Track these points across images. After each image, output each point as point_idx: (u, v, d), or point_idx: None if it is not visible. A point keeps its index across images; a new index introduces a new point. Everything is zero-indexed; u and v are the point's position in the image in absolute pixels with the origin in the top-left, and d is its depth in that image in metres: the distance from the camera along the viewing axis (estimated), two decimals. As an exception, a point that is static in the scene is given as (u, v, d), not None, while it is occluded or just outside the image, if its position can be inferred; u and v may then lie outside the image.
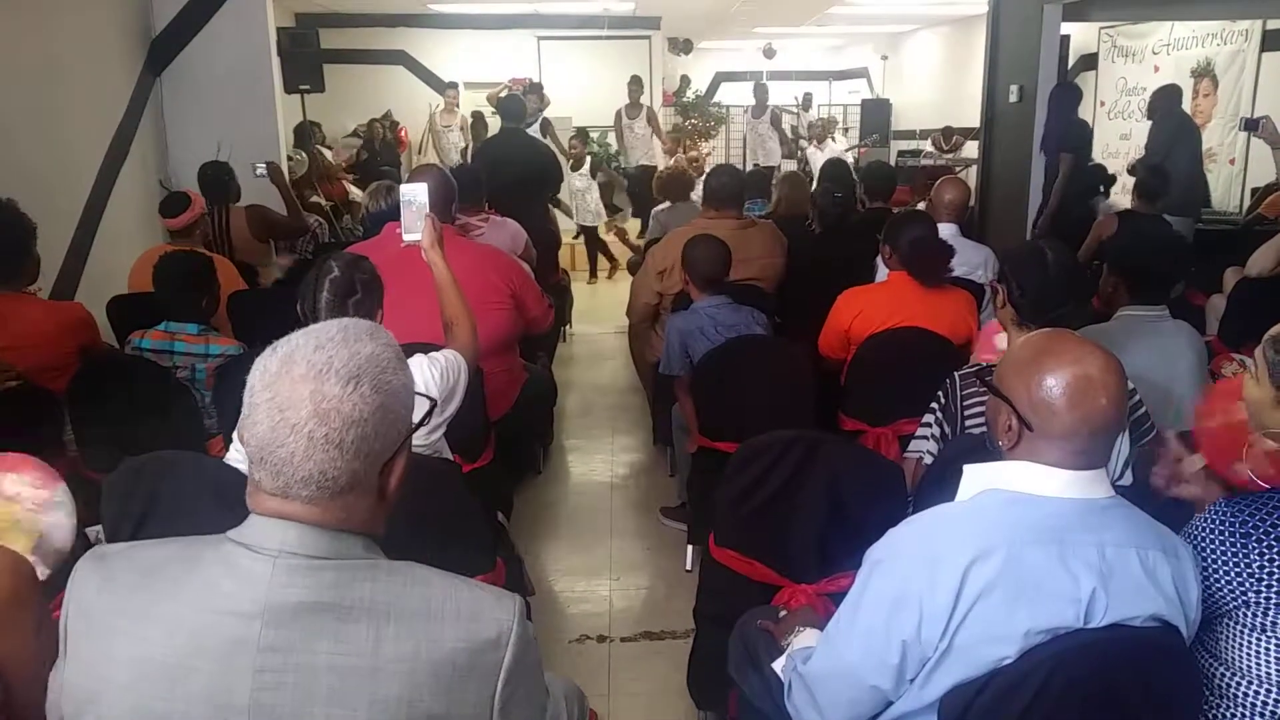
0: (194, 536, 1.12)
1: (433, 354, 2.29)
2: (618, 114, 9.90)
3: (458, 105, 10.43)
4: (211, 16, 5.97)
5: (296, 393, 1.04)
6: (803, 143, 11.41)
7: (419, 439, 2.18)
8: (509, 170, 5.50)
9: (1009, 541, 1.36)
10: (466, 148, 9.89)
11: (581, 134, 9.54)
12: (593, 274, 8.97)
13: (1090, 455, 1.41)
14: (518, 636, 1.11)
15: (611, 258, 9.06)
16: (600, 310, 7.87)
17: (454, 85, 10.67)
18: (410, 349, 2.38)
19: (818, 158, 10.46)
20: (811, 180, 7.14)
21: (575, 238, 9.18)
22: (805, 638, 1.73)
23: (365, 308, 2.19)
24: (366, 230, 4.91)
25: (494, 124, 9.65)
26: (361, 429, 1.06)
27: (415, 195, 2.48)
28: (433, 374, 2.24)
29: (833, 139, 11.06)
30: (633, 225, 9.54)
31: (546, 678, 1.27)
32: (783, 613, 1.90)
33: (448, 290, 2.50)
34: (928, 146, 11.82)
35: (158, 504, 2.00)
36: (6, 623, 1.28)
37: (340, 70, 9.80)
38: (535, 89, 9.65)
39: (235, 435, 1.11)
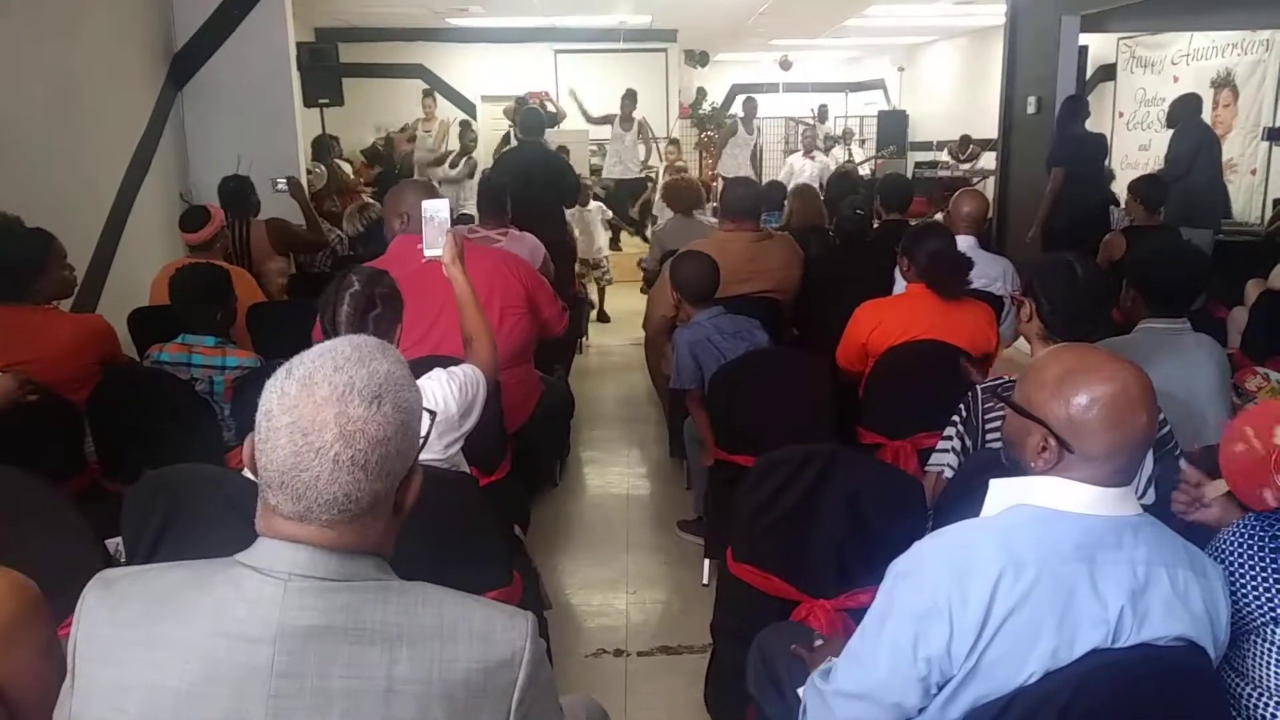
0: (203, 560, 1.11)
1: (452, 368, 2.29)
2: (613, 124, 9.90)
3: (436, 113, 10.36)
4: (232, 32, 6.05)
5: (321, 415, 1.03)
6: (789, 156, 11.30)
7: (437, 453, 2.20)
8: (527, 182, 5.52)
9: (1039, 559, 1.34)
10: (458, 155, 9.83)
11: (562, 149, 9.54)
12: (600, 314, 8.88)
13: (1126, 472, 1.39)
14: (531, 656, 1.10)
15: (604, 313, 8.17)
16: (617, 322, 7.87)
17: (429, 93, 10.62)
18: (430, 362, 2.39)
19: (803, 167, 10.43)
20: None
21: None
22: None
23: (385, 322, 2.19)
24: (369, 250, 4.92)
25: (483, 128, 9.68)
26: (385, 449, 1.06)
27: (437, 211, 2.49)
28: (451, 388, 2.24)
29: (819, 151, 11.01)
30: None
31: (569, 698, 1.26)
32: (819, 641, 1.86)
33: (468, 306, 2.50)
34: (944, 157, 11.79)
35: (178, 516, 2.01)
36: (13, 648, 1.26)
37: (359, 84, 9.89)
38: (522, 102, 9.56)
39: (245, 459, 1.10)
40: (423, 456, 1.17)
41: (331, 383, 1.04)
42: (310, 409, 1.03)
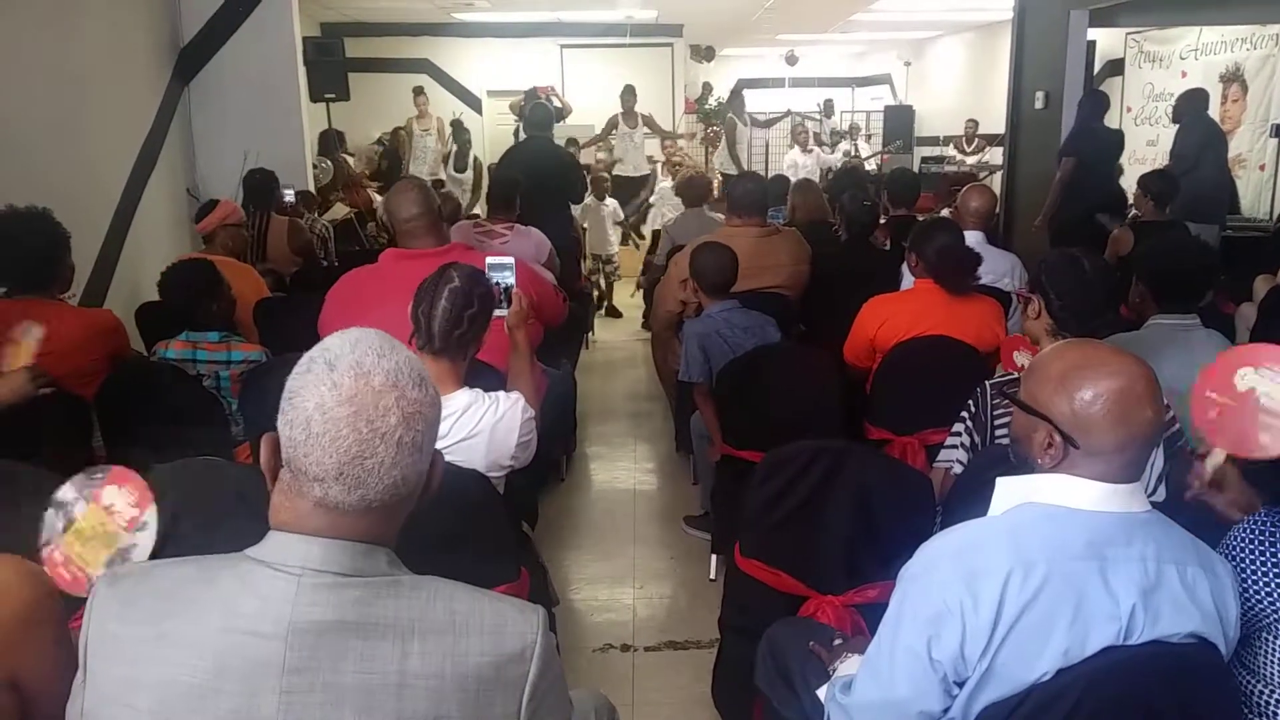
0: (211, 555, 1.11)
1: (528, 407, 2.29)
2: (611, 121, 9.65)
3: (428, 110, 10.38)
4: (239, 26, 6.06)
5: (383, 401, 1.05)
6: (792, 151, 11.23)
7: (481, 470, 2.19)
8: (534, 177, 5.52)
9: (1049, 558, 1.33)
10: (449, 154, 9.86)
11: (574, 142, 9.54)
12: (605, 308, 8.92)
13: (1134, 468, 1.38)
14: (542, 649, 1.11)
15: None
16: (622, 317, 7.87)
17: (421, 90, 10.60)
18: (499, 378, 2.41)
19: (803, 163, 10.38)
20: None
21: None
22: (851, 665, 1.68)
23: (478, 325, 2.22)
24: (390, 236, 4.97)
25: (476, 128, 9.73)
26: (433, 430, 1.11)
27: (503, 274, 2.50)
28: (523, 418, 2.25)
29: (813, 147, 10.95)
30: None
31: (577, 692, 1.26)
32: (837, 640, 1.86)
33: (523, 372, 2.51)
34: (950, 150, 11.76)
35: (187, 511, 2.00)
36: (26, 637, 1.27)
37: (365, 79, 9.88)
38: (530, 95, 9.52)
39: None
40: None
41: (384, 369, 1.07)
42: (371, 397, 1.05)
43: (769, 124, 11.69)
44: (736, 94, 10.62)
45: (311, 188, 6.60)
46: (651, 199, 9.36)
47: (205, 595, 1.05)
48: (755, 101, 14.57)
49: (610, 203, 7.89)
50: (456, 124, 10.05)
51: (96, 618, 1.08)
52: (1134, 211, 5.73)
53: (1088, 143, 6.11)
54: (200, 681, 1.02)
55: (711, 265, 3.50)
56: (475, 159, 9.55)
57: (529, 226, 4.60)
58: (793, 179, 7.47)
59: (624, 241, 9.70)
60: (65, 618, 1.34)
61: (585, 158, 9.16)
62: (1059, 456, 1.39)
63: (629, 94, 9.62)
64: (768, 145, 12.79)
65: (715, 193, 8.11)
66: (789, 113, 12.11)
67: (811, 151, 10.56)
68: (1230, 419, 1.74)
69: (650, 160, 9.94)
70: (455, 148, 9.77)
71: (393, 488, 1.06)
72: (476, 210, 8.32)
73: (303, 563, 1.04)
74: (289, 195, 5.44)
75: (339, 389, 1.04)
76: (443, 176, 9.86)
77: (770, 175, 8.75)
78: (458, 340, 2.19)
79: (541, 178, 5.68)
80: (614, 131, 9.60)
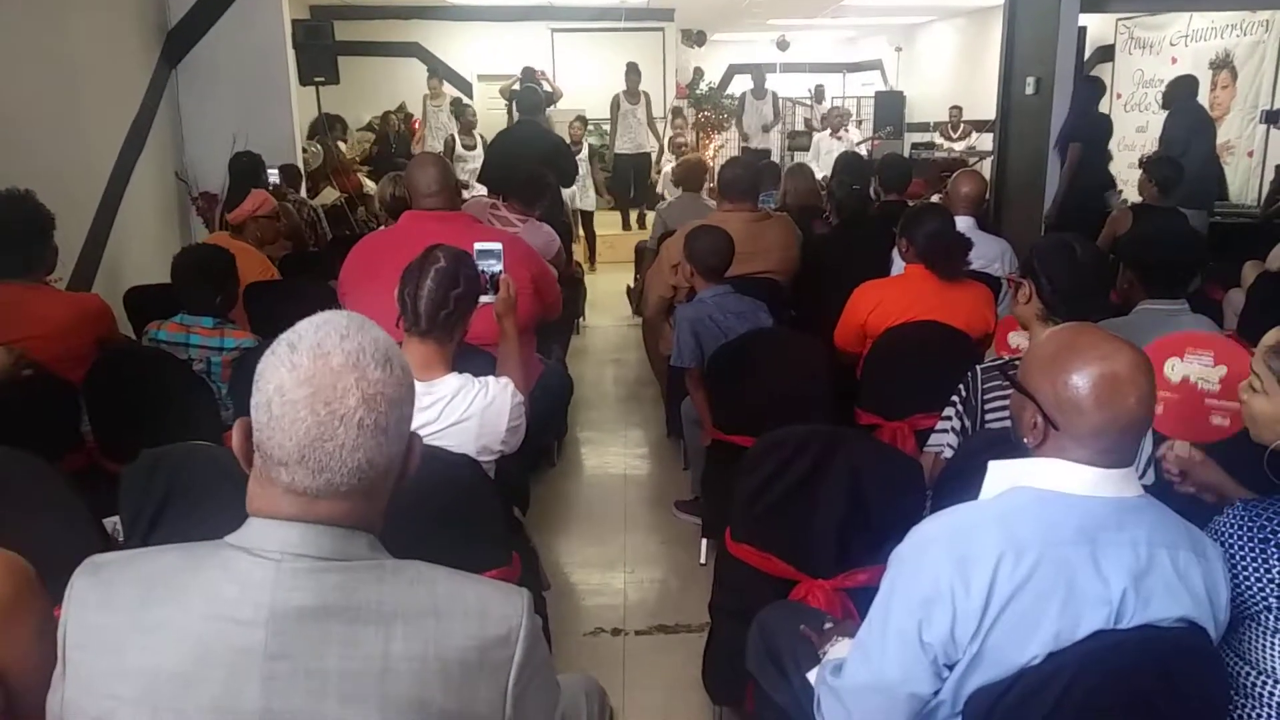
0: (192, 543, 1.09)
1: (516, 391, 2.28)
2: (615, 99, 9.84)
3: (442, 89, 10.67)
4: (227, 8, 6.01)
5: (341, 382, 1.03)
6: (815, 134, 11.29)
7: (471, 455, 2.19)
8: (525, 161, 5.50)
9: (1041, 542, 1.33)
10: (452, 134, 10.02)
11: (581, 120, 9.58)
12: (592, 265, 9.03)
13: (1119, 453, 1.38)
14: (527, 632, 1.10)
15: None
16: (610, 302, 7.85)
17: (435, 72, 10.87)
18: (488, 362, 2.41)
19: (832, 145, 10.37)
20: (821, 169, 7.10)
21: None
22: (841, 648, 1.68)
23: (465, 303, 2.22)
24: (382, 219, 4.98)
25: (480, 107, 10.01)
26: (401, 410, 1.08)
27: (489, 262, 2.50)
28: (513, 403, 2.25)
29: (846, 129, 10.96)
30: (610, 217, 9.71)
31: (567, 676, 1.26)
32: (828, 624, 1.86)
33: (511, 357, 2.51)
34: (937, 139, 11.76)
35: (175, 496, 2.00)
36: (8, 628, 1.24)
37: (355, 62, 9.84)
38: (527, 74, 9.48)
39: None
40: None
41: (344, 350, 1.04)
42: (329, 377, 1.03)
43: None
44: (759, 77, 10.69)
45: (302, 172, 6.57)
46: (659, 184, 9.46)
47: (187, 582, 1.04)
48: (746, 87, 14.56)
49: (565, 194, 7.97)
50: (455, 102, 10.15)
51: (75, 608, 1.07)
52: (1122, 196, 5.76)
53: (1089, 127, 6.12)
54: (183, 669, 1.01)
55: (708, 247, 3.49)
56: (480, 136, 9.64)
57: (542, 222, 4.60)
58: (821, 162, 7.47)
59: (625, 225, 9.81)
60: (49, 610, 1.32)
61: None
62: (1040, 438, 1.41)
63: (633, 72, 9.69)
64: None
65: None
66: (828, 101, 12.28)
67: (841, 137, 10.54)
68: (1177, 410, 1.75)
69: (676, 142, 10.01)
70: (458, 125, 9.84)
71: (357, 471, 1.04)
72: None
73: (281, 547, 1.03)
74: (272, 175, 5.42)
75: (297, 370, 1.03)
76: (461, 153, 10.01)
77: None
78: (444, 321, 2.19)
79: (532, 162, 5.66)
80: (617, 110, 9.67)
